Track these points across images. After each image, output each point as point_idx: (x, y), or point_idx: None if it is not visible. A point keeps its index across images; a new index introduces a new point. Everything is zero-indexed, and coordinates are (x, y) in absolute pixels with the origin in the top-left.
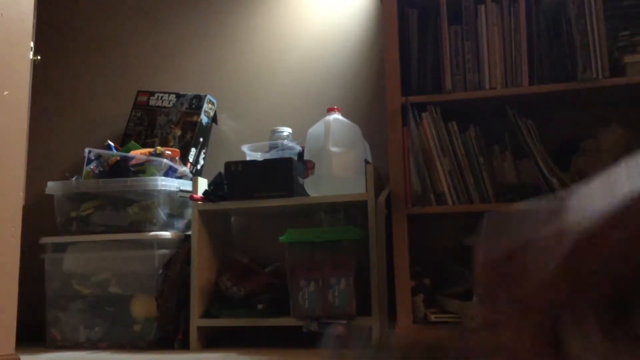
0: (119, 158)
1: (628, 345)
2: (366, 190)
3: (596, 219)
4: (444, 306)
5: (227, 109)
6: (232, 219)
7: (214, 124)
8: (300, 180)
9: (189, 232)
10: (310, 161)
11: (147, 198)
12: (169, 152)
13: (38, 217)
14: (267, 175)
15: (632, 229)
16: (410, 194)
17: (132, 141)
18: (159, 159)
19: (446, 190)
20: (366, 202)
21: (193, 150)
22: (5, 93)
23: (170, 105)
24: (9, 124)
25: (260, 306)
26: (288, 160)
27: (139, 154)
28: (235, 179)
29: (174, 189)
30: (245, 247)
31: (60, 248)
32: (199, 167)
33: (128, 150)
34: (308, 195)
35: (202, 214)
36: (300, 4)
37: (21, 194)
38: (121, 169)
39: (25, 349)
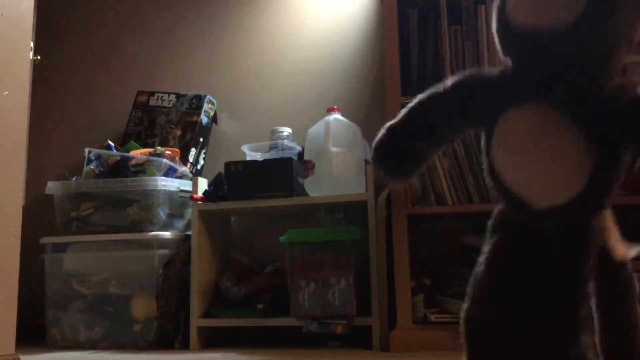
0: (119, 158)
1: None
2: (366, 190)
3: None
4: (444, 306)
5: (227, 109)
6: (232, 219)
7: (214, 124)
8: (300, 180)
9: (189, 232)
10: (310, 161)
11: (147, 198)
12: (169, 152)
13: (38, 217)
14: (267, 175)
15: None
16: (410, 194)
17: (132, 141)
18: (159, 159)
19: (446, 190)
20: (366, 202)
21: (193, 150)
22: (5, 93)
23: (170, 105)
24: (9, 124)
25: (260, 306)
26: (288, 160)
27: (139, 154)
28: (235, 179)
29: (174, 189)
30: (245, 247)
31: (60, 248)
32: (199, 167)
33: (128, 150)
34: (308, 195)
35: (202, 214)
36: (300, 4)
37: (21, 194)
38: (121, 169)
39: (25, 349)
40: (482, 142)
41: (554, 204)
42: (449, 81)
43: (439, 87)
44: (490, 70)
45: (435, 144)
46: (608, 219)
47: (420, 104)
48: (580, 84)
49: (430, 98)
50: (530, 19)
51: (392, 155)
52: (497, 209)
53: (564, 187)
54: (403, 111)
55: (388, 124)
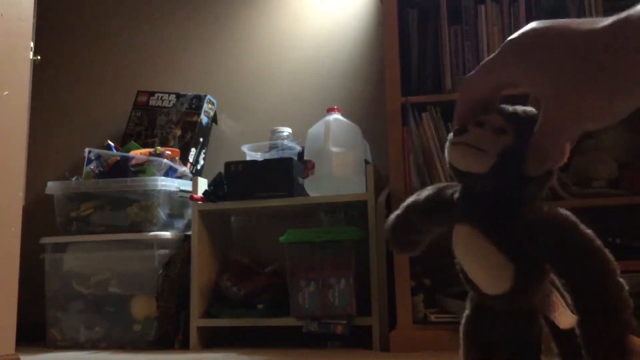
0: (119, 158)
1: None
2: (366, 190)
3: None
4: (444, 306)
5: (227, 109)
6: (232, 219)
7: (214, 124)
8: (300, 180)
9: (189, 232)
10: (310, 161)
11: (147, 198)
12: (169, 152)
13: (38, 217)
14: (267, 175)
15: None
16: (410, 194)
17: (132, 141)
18: (159, 159)
19: None
20: (366, 202)
21: (193, 150)
22: (5, 93)
23: (170, 105)
24: (9, 124)
25: (260, 306)
26: (288, 160)
27: (139, 154)
28: (235, 179)
29: (174, 189)
30: (245, 247)
31: (60, 248)
32: (199, 167)
33: (128, 150)
34: (308, 195)
35: (202, 214)
36: (300, 4)
37: (21, 194)
38: (121, 169)
39: (25, 349)
40: None
41: (493, 294)
42: (424, 193)
43: (418, 196)
44: (452, 187)
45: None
46: (553, 291)
47: (406, 208)
48: (499, 212)
49: (409, 206)
50: (461, 166)
51: (404, 240)
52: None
53: (495, 285)
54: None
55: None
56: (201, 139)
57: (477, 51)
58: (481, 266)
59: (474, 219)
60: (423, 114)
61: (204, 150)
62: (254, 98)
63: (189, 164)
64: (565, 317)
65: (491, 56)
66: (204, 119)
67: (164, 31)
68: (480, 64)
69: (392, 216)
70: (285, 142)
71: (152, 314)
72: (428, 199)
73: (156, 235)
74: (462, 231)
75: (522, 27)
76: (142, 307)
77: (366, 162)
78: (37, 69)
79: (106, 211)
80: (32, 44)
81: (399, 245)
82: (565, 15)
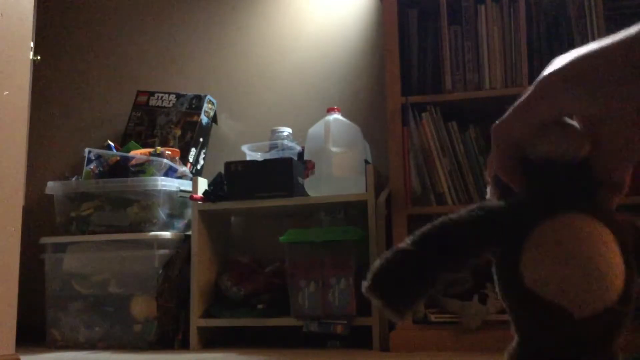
0: (119, 158)
1: None
2: (366, 190)
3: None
4: (444, 306)
5: (227, 109)
6: (232, 219)
7: (214, 124)
8: (300, 180)
9: (189, 232)
10: (310, 161)
11: (147, 198)
12: (169, 152)
13: (38, 217)
14: (267, 175)
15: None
16: (410, 194)
17: (132, 141)
18: (159, 159)
19: (446, 190)
20: (366, 202)
21: (193, 150)
22: (5, 93)
23: (170, 105)
24: (9, 124)
25: (260, 306)
26: (288, 160)
27: (139, 154)
28: (235, 179)
29: (174, 189)
30: (245, 247)
31: (60, 248)
32: (199, 167)
33: (128, 150)
34: (308, 195)
35: (202, 214)
36: (300, 4)
37: (21, 194)
38: (121, 169)
39: (25, 349)
40: (495, 270)
41: (595, 310)
42: (464, 213)
43: (452, 218)
44: (497, 203)
45: (444, 273)
46: None
47: (434, 231)
48: (604, 200)
49: (445, 226)
50: (550, 153)
51: (398, 281)
52: (511, 353)
53: (605, 293)
54: (413, 237)
55: (397, 247)
56: (201, 139)
57: (477, 51)
58: (595, 265)
59: (585, 205)
60: (423, 114)
61: (204, 150)
62: (254, 98)
63: (189, 164)
64: None
65: (523, 97)
66: (204, 119)
67: (164, 31)
68: (513, 106)
69: (393, 250)
70: (285, 142)
71: (152, 314)
72: (476, 216)
73: (156, 235)
74: (560, 227)
75: (522, 27)
76: (142, 307)
77: (366, 162)
78: (37, 69)
79: (106, 211)
80: (32, 44)
81: (392, 290)
82: (565, 15)
